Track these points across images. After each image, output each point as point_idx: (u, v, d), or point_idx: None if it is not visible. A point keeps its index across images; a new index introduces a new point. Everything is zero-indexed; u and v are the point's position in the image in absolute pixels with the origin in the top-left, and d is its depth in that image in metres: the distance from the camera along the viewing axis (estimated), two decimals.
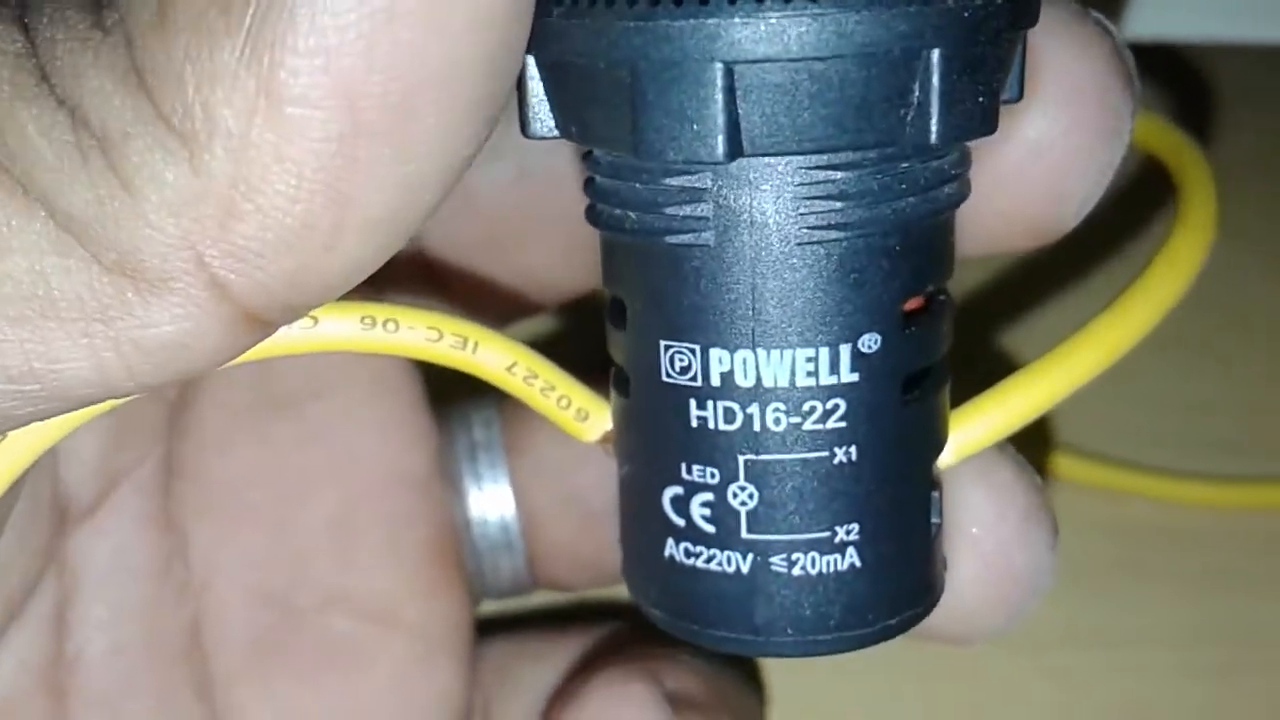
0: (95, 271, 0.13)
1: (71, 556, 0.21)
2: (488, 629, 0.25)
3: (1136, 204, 0.32)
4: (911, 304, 0.16)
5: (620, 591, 0.25)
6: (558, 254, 0.23)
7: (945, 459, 0.18)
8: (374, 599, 0.22)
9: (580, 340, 0.18)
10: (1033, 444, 0.30)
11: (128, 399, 0.15)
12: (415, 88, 0.13)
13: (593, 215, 0.16)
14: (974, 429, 0.18)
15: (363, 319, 0.16)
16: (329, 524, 0.22)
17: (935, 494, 0.17)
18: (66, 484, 0.21)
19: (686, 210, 0.15)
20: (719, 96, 0.14)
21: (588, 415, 0.18)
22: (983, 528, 0.19)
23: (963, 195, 0.16)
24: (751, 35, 0.13)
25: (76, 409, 0.14)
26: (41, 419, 0.14)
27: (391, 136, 0.13)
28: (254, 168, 0.13)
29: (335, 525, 0.22)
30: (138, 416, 0.21)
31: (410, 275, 0.23)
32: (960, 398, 0.18)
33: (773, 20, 0.13)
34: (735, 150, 0.14)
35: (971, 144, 0.17)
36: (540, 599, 0.26)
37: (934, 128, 0.14)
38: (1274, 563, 0.29)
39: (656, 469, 0.17)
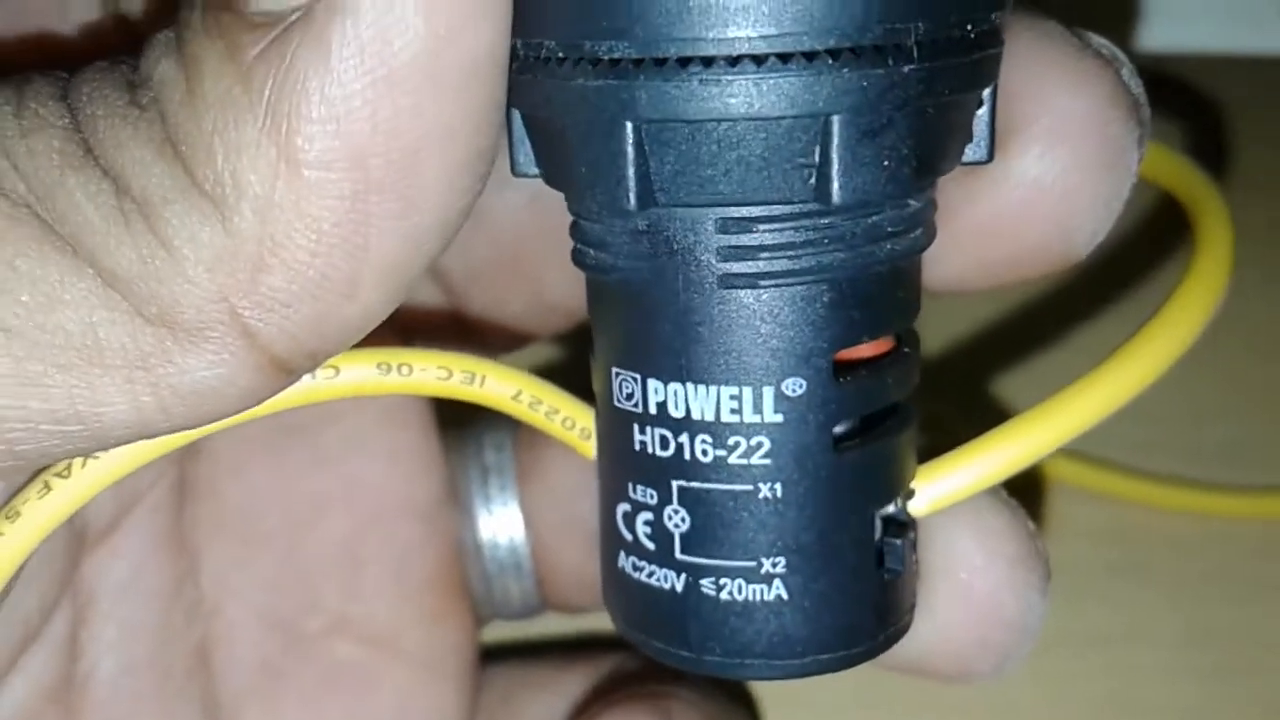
0: (139, 323, 0.14)
1: (87, 578, 0.21)
2: (495, 655, 0.25)
3: (1149, 237, 0.32)
4: (851, 353, 0.16)
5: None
6: (570, 277, 0.23)
7: (917, 508, 0.18)
8: (378, 625, 0.22)
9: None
10: None
11: (160, 442, 0.16)
12: (417, 144, 0.14)
13: (573, 254, 0.17)
14: (952, 480, 0.18)
15: (379, 365, 0.17)
16: (336, 550, 0.22)
17: (897, 541, 0.17)
18: (85, 507, 0.21)
19: (626, 250, 0.16)
20: (629, 150, 0.15)
21: (590, 434, 0.19)
22: (971, 573, 0.19)
23: (913, 248, 0.16)
24: (657, 98, 0.14)
25: (110, 448, 0.16)
26: (80, 454, 0.16)
27: (398, 190, 0.14)
28: (279, 226, 0.14)
29: (342, 552, 0.22)
30: None
31: (428, 300, 0.23)
32: (954, 442, 0.18)
33: (676, 85, 0.14)
34: (646, 201, 0.15)
35: (966, 183, 0.17)
36: (548, 628, 0.26)
37: (834, 191, 0.15)
38: (1266, 566, 0.29)
39: (612, 486, 0.17)
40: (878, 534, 0.17)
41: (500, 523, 0.23)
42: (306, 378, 0.17)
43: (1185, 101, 0.39)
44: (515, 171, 0.16)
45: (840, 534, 0.17)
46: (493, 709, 0.24)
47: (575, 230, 0.17)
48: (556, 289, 0.23)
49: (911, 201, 0.16)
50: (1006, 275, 0.19)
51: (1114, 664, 0.28)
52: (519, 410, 0.18)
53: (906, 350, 0.17)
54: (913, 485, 0.18)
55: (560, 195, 0.17)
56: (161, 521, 0.21)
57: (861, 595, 0.17)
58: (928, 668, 0.20)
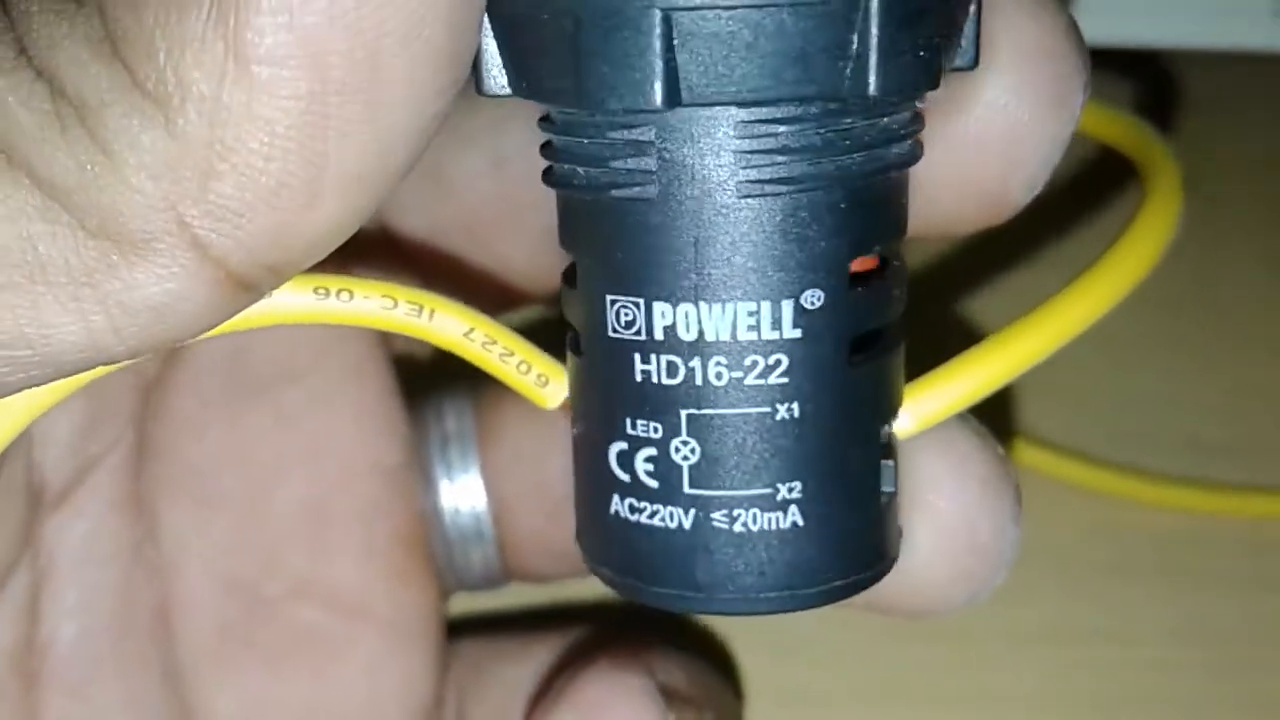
0: (80, 236, 0.14)
1: (46, 541, 0.21)
2: (463, 629, 0.25)
3: (1098, 192, 0.32)
4: (860, 264, 0.16)
5: (594, 592, 0.26)
6: (537, 243, 0.23)
7: (903, 428, 0.18)
8: (343, 589, 0.22)
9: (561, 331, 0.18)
10: (1025, 442, 0.30)
11: (115, 367, 0.15)
12: (380, 43, 0.13)
13: (548, 175, 0.17)
14: (934, 399, 0.18)
15: (316, 289, 0.17)
16: (299, 511, 0.22)
17: (889, 462, 0.17)
18: (41, 468, 0.21)
19: (630, 164, 0.15)
20: (657, 44, 0.14)
21: (548, 381, 0.18)
22: (942, 497, 0.19)
23: (914, 156, 0.16)
24: None
25: (67, 375, 0.15)
26: (33, 385, 0.15)
27: (360, 91, 0.13)
28: (227, 128, 0.13)
29: (305, 513, 0.22)
30: (111, 399, 0.21)
31: (389, 267, 0.23)
32: (925, 369, 0.18)
33: None
34: (674, 98, 0.14)
35: (931, 107, 0.17)
36: (515, 599, 0.26)
37: (872, 80, 0.14)
38: (1257, 562, 0.29)
39: (603, 425, 0.17)
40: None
41: (462, 490, 0.23)
42: None
43: (1170, 96, 0.40)
44: (482, 90, 0.16)
45: (853, 453, 0.16)
46: (462, 680, 0.24)
47: (557, 151, 0.16)
48: (519, 261, 0.23)
49: (918, 104, 0.16)
50: (947, 218, 0.18)
51: (1102, 657, 0.28)
52: (470, 351, 0.18)
53: (898, 262, 0.17)
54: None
55: (530, 156, 0.16)
56: (120, 483, 0.21)
57: (870, 517, 0.17)
58: (903, 601, 0.19)
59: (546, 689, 0.23)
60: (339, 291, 0.17)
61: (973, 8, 0.16)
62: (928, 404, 0.18)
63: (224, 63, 0.13)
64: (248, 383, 0.22)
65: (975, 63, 0.16)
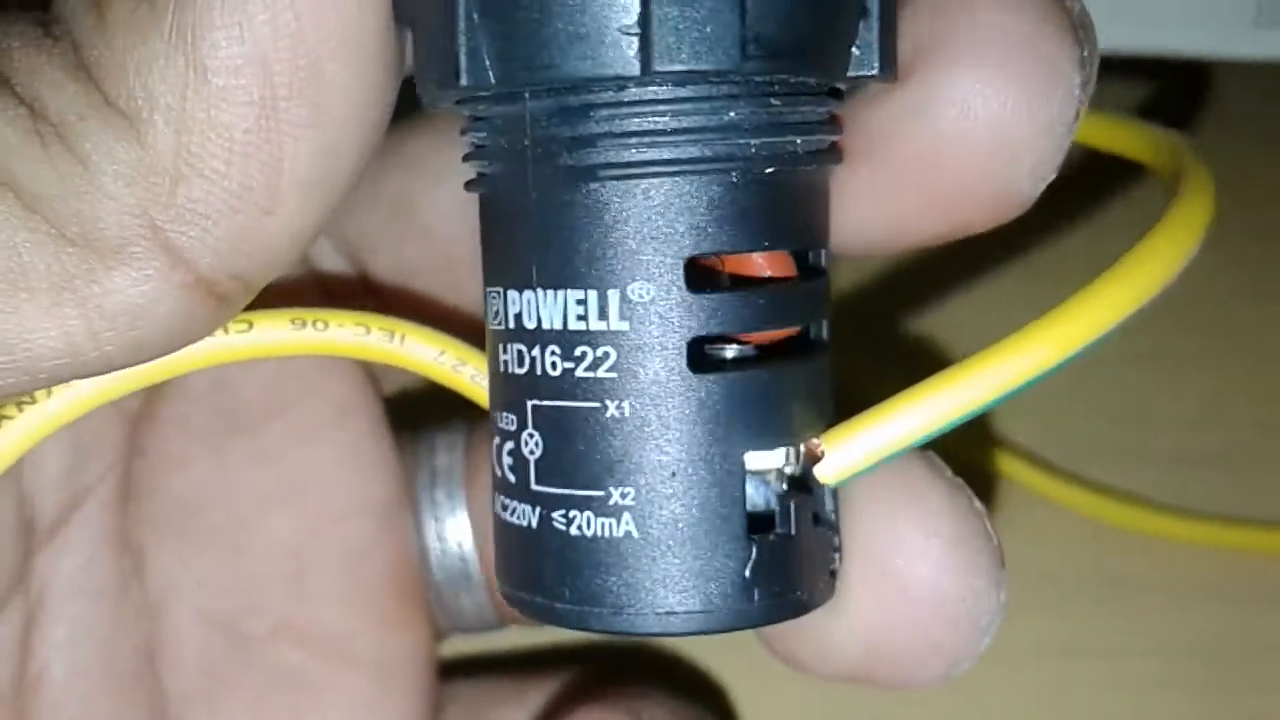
0: (62, 243, 0.15)
1: (37, 575, 0.21)
2: (458, 670, 0.25)
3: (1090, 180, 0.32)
4: (739, 267, 0.16)
5: (587, 635, 0.25)
6: None
7: (825, 474, 0.16)
8: (325, 630, 0.22)
9: None
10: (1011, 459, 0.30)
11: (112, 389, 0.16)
12: (319, 49, 0.15)
13: (466, 182, 0.17)
14: (865, 441, 0.16)
15: (293, 321, 0.18)
16: (281, 550, 0.22)
17: (790, 503, 0.16)
18: (32, 501, 0.21)
19: (490, 156, 0.16)
20: (460, 21, 0.15)
21: None
22: (903, 559, 0.17)
23: (786, 157, 0.15)
24: None
25: (41, 385, 0.16)
26: (10, 393, 0.16)
27: (306, 97, 0.15)
28: (192, 135, 0.15)
29: (287, 552, 0.22)
30: (99, 432, 0.21)
31: (364, 305, 0.23)
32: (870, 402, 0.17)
33: None
34: (479, 78, 0.15)
35: (882, 111, 0.16)
36: (510, 640, 0.26)
37: (654, 56, 0.14)
38: (1257, 577, 0.29)
39: (491, 420, 0.17)
40: (762, 498, 0.16)
41: (449, 530, 0.23)
42: (219, 333, 0.17)
43: (1168, 106, 0.39)
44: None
45: (698, 469, 0.16)
46: None
47: (464, 154, 0.17)
48: None
49: (774, 101, 0.15)
50: (942, 225, 0.17)
51: (1100, 672, 0.27)
52: (442, 373, 0.18)
53: (796, 281, 0.16)
54: (822, 446, 0.16)
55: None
56: (109, 517, 0.22)
57: (726, 547, 0.16)
58: (865, 670, 0.18)
59: None
60: (315, 322, 0.18)
61: (875, 13, 0.15)
62: (856, 447, 0.16)
63: (185, 75, 0.14)
64: (232, 419, 0.22)
65: (884, 70, 0.16)
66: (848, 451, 0.16)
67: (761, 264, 0.16)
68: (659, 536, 0.16)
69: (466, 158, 0.17)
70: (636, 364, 0.15)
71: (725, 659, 0.27)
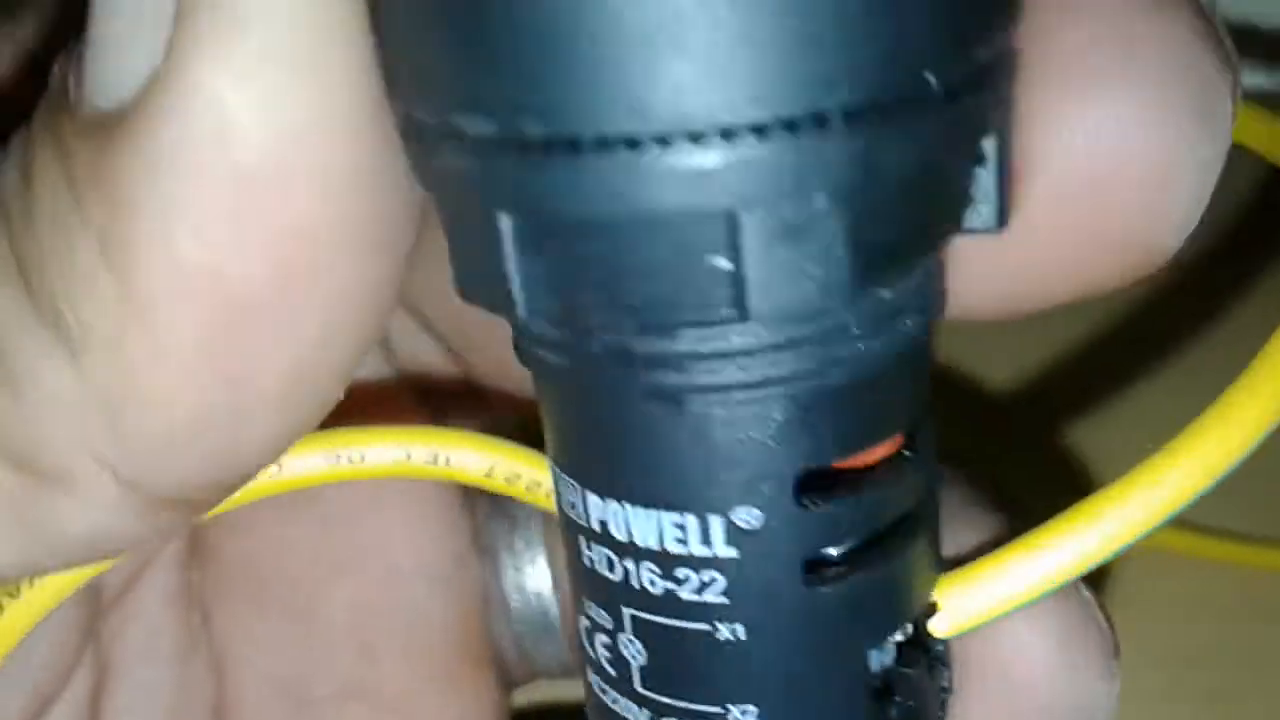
0: (5, 467, 0.13)
1: (105, 639, 0.21)
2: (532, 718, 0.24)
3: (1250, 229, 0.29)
4: (823, 474, 0.14)
5: None
6: None
7: (940, 629, 0.15)
8: (391, 692, 0.22)
9: None
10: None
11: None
12: (285, 257, 0.12)
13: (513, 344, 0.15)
14: (987, 591, 0.15)
15: (325, 453, 0.16)
16: (347, 614, 0.21)
17: (910, 671, 0.15)
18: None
19: (547, 346, 0.13)
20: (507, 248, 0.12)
21: None
22: (1012, 656, 0.16)
23: (893, 343, 0.13)
24: (530, 185, 0.11)
25: (6, 586, 0.15)
26: None
27: (271, 311, 0.12)
28: (133, 363, 0.12)
29: (353, 615, 0.21)
30: None
31: (465, 406, 0.22)
32: (1019, 512, 0.16)
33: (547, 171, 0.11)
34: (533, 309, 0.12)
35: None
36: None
37: (752, 303, 0.12)
38: (1265, 588, 0.28)
39: (574, 593, 0.15)
40: (878, 666, 0.15)
41: (528, 579, 0.22)
42: None
43: None
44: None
45: (824, 679, 0.14)
46: None
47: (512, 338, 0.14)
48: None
49: (884, 293, 0.13)
50: (1070, 285, 0.14)
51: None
52: (496, 486, 0.17)
53: (909, 454, 0.14)
54: (934, 599, 0.15)
55: None
56: (175, 580, 0.21)
57: None
58: None
59: None
60: (351, 452, 0.16)
61: (988, 163, 0.13)
62: (976, 598, 0.15)
63: (119, 299, 0.12)
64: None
65: (1001, 224, 0.13)
66: (965, 603, 0.15)
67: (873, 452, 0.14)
68: None
69: (516, 341, 0.14)
70: (749, 589, 0.14)
71: None
